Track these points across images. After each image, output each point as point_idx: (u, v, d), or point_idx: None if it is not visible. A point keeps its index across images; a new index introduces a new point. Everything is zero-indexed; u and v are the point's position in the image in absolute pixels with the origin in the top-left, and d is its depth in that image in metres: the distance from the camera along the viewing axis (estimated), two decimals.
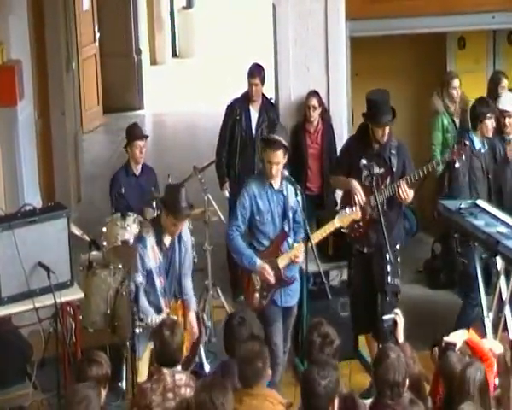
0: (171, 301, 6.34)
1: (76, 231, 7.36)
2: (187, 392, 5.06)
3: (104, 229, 7.36)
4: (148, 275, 6.25)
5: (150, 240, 6.24)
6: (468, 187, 7.55)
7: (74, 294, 6.86)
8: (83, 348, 6.90)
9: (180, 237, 6.36)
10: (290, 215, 6.64)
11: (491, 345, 5.33)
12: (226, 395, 4.47)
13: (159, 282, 6.25)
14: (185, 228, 6.55)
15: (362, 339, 7.55)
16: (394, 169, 6.87)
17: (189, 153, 11.37)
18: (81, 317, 7.20)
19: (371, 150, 6.89)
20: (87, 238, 7.51)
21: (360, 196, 6.81)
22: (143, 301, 6.24)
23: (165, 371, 5.16)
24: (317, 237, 6.69)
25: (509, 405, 4.74)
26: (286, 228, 6.64)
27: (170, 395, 5.06)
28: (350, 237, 6.97)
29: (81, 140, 11.33)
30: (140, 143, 7.74)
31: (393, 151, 6.88)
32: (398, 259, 6.98)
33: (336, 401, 4.36)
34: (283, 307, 6.73)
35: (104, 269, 7.36)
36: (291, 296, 6.75)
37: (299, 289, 6.84)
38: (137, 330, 6.24)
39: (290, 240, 6.69)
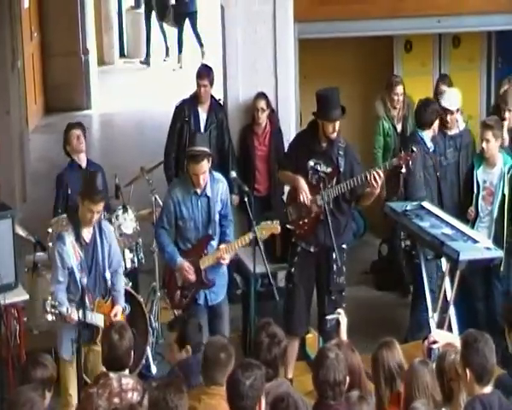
0: (96, 298, 6.23)
1: (21, 231, 7.27)
2: (134, 397, 4.99)
3: (50, 230, 7.28)
4: (70, 274, 6.14)
5: (69, 237, 6.12)
6: (423, 185, 7.62)
7: (19, 295, 6.78)
8: (27, 350, 6.82)
9: (101, 230, 6.24)
10: (216, 218, 6.63)
11: (453, 339, 5.34)
12: (181, 396, 4.41)
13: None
14: (107, 224, 6.43)
15: (308, 340, 7.58)
16: (341, 169, 6.87)
17: (136, 153, 11.30)
18: (26, 319, 7.12)
19: (319, 148, 6.89)
20: (32, 239, 7.41)
21: (306, 195, 6.81)
22: (57, 290, 6.13)
23: (112, 375, 5.06)
24: (235, 245, 6.64)
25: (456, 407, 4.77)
26: (210, 231, 6.64)
27: (116, 400, 4.96)
28: (296, 235, 6.93)
29: (27, 139, 11.17)
30: (75, 131, 7.54)
31: (341, 152, 6.89)
32: (345, 256, 6.99)
33: (263, 401, 4.33)
34: (210, 306, 6.70)
35: (49, 270, 7.26)
36: (215, 294, 6.72)
37: (225, 285, 6.83)
38: (50, 317, 6.13)
39: (214, 243, 6.66)
